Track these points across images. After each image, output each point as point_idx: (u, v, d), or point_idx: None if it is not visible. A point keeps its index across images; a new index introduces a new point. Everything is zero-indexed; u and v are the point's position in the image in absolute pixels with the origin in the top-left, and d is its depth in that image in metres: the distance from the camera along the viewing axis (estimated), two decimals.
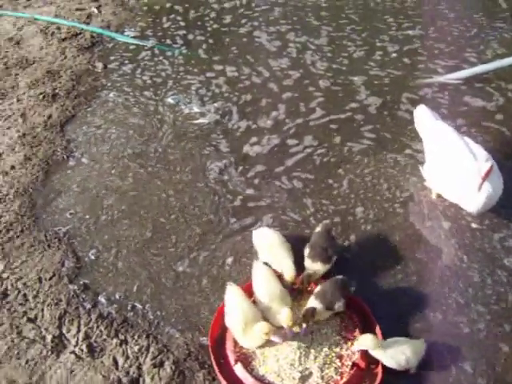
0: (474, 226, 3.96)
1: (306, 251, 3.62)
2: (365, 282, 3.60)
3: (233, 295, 3.28)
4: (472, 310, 3.48)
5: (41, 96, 5.02)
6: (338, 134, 4.68)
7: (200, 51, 5.60)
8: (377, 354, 3.12)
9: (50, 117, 4.81)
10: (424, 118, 4.11)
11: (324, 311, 3.28)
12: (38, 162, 4.41)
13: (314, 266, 3.54)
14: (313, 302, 3.29)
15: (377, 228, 3.94)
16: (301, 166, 4.41)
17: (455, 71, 5.22)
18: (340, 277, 3.41)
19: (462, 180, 3.71)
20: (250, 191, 4.21)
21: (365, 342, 3.11)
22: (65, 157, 4.46)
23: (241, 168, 4.39)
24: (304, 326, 3.22)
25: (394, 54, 5.55)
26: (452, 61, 5.44)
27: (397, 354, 3.14)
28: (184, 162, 4.42)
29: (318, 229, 3.74)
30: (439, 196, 4.06)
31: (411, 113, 4.40)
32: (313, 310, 3.24)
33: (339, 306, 3.31)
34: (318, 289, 3.38)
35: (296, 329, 3.25)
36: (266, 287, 3.34)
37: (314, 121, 4.81)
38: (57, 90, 5.10)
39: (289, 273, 3.43)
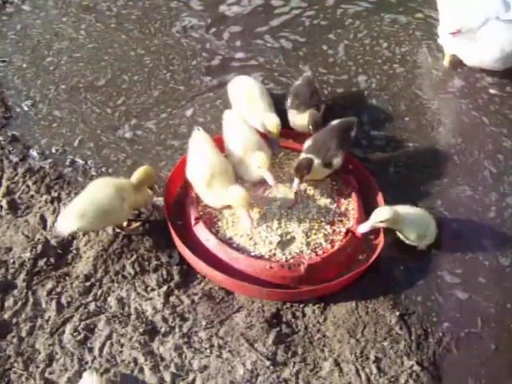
0: (492, 91, 3.26)
1: (288, 102, 2.91)
2: (368, 154, 2.94)
3: (198, 142, 2.57)
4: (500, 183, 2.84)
5: None
6: None
7: None
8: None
9: None
10: None
11: (320, 168, 2.58)
12: None
13: (299, 119, 2.84)
14: (305, 156, 2.60)
15: (381, 98, 3.23)
16: (288, 27, 3.64)
17: None
18: (337, 121, 2.70)
19: (488, 31, 3.00)
20: (229, 50, 3.44)
21: (381, 214, 2.42)
22: (0, 2, 3.65)
23: (217, 28, 3.60)
24: (296, 180, 2.50)
25: None
26: None
27: (419, 223, 2.49)
28: (149, 18, 3.61)
29: (298, 81, 3.03)
30: (452, 60, 3.34)
31: None
32: (308, 162, 2.52)
33: (337, 161, 2.61)
34: (309, 142, 2.67)
35: (276, 189, 2.55)
36: (239, 135, 2.62)
37: None
38: None
39: (273, 122, 2.69)
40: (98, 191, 2.36)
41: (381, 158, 2.93)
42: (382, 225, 2.43)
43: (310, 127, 2.74)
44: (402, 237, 2.52)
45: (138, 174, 2.49)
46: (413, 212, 2.52)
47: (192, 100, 3.14)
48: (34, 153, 2.82)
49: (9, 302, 2.25)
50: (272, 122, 2.69)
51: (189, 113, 3.08)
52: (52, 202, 2.60)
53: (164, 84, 3.21)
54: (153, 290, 2.34)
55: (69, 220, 2.29)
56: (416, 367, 2.19)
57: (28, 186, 2.66)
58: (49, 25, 3.51)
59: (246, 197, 2.37)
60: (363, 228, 2.42)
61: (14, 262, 2.37)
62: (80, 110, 3.05)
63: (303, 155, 2.62)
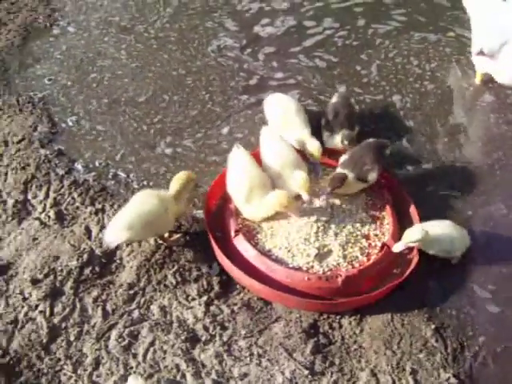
0: None
1: (323, 121, 2.99)
2: (403, 171, 3.01)
3: (238, 157, 2.66)
4: None
5: None
6: (363, 17, 3.98)
7: None
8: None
9: None
10: None
11: (355, 182, 2.65)
12: (16, 27, 3.77)
13: (332, 139, 2.92)
14: (341, 171, 2.67)
15: (416, 118, 3.29)
16: (321, 48, 3.74)
17: None
18: (372, 139, 2.77)
19: None
20: (266, 70, 3.55)
21: (413, 235, 2.46)
22: (48, 25, 3.81)
23: (252, 48, 3.71)
24: (328, 189, 2.59)
25: None
26: None
27: (442, 239, 2.53)
28: (187, 39, 3.74)
29: (334, 99, 3.11)
30: (484, 78, 3.40)
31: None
32: (343, 177, 2.61)
33: (372, 176, 2.68)
34: (345, 156, 2.75)
35: (315, 202, 2.63)
36: (276, 150, 2.70)
37: (336, 4, 4.11)
38: None
39: (315, 146, 2.77)
40: (144, 203, 2.45)
41: (416, 174, 2.99)
42: (413, 245, 2.49)
43: (346, 143, 2.83)
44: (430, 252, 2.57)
45: (174, 184, 2.56)
46: (439, 228, 2.55)
47: (227, 119, 3.23)
48: (78, 166, 2.94)
49: (58, 308, 2.35)
50: (314, 146, 2.78)
51: (225, 131, 3.17)
52: (96, 213, 2.71)
53: (202, 105, 3.31)
54: (193, 299, 2.42)
55: (118, 232, 2.38)
56: (453, 380, 2.22)
57: (73, 198, 2.78)
58: (92, 45, 3.67)
59: (289, 196, 2.49)
60: (398, 247, 2.47)
61: (61, 270, 2.47)
62: (119, 124, 3.18)
63: (339, 169, 2.70)
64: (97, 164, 2.96)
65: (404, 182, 2.86)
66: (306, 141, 2.81)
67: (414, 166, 3.03)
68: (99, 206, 2.74)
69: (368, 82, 3.49)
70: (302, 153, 2.81)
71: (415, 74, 3.52)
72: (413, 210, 2.69)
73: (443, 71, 3.54)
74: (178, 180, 2.56)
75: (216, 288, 2.45)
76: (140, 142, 3.10)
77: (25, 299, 2.37)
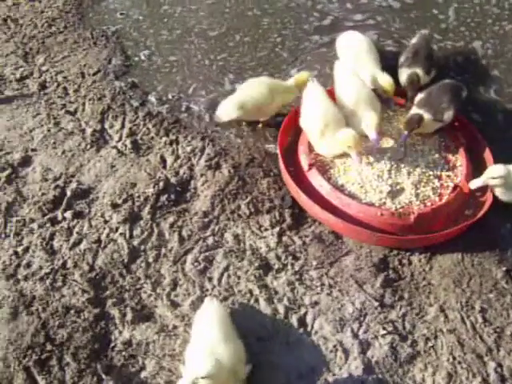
0: None
1: (402, 59, 2.93)
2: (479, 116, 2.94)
3: (312, 92, 2.65)
4: None
5: None
6: None
7: None
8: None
9: None
10: None
11: (431, 122, 2.62)
12: None
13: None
14: (416, 112, 2.64)
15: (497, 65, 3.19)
16: None
17: None
18: (449, 80, 2.72)
19: None
20: (340, 11, 3.48)
21: (496, 170, 2.43)
22: None
23: None
24: (405, 133, 2.57)
25: None
26: None
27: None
28: None
29: (414, 39, 3.04)
30: None
31: None
32: (419, 118, 2.58)
33: (449, 115, 2.63)
34: (421, 96, 2.70)
35: (386, 142, 2.62)
36: (351, 87, 2.68)
37: None
38: None
39: (387, 81, 2.75)
40: (255, 89, 2.74)
41: (494, 121, 2.93)
42: (494, 181, 2.45)
43: (407, 85, 2.79)
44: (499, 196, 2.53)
45: (296, 78, 2.81)
46: None
47: (293, 63, 3.20)
48: (152, 98, 3.00)
49: (136, 231, 2.45)
50: (386, 81, 2.75)
51: (292, 72, 3.13)
52: (171, 143, 2.77)
53: (271, 48, 3.28)
54: (266, 229, 2.48)
55: (230, 109, 2.70)
56: None
57: (148, 129, 2.84)
58: None
59: (356, 137, 2.45)
60: (475, 183, 2.45)
61: (139, 196, 2.56)
62: (189, 58, 3.21)
63: (415, 108, 2.67)
64: (170, 97, 3.01)
65: (481, 128, 2.80)
66: (377, 75, 2.78)
67: (491, 113, 2.97)
68: (173, 137, 2.80)
69: (447, 27, 3.39)
70: (376, 92, 2.79)
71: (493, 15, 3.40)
72: (487, 154, 2.65)
73: None
74: (299, 78, 2.80)
75: (288, 220, 2.50)
76: (208, 76, 3.12)
77: (106, 222, 2.48)
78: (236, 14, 3.47)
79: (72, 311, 2.20)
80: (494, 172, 2.42)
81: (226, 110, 2.71)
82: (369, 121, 2.54)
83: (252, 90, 2.74)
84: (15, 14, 3.46)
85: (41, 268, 2.32)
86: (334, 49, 3.08)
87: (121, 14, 3.47)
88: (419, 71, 2.80)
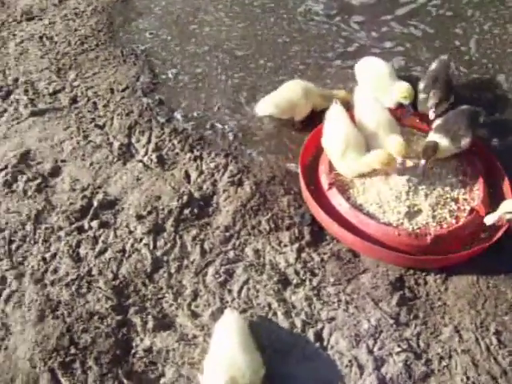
0: None
1: (421, 85, 3.01)
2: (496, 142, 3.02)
3: (335, 113, 2.74)
4: None
5: None
6: None
7: None
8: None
9: None
10: None
11: (448, 147, 2.69)
12: None
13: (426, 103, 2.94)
14: (433, 137, 2.71)
15: None
16: (416, 17, 3.74)
17: None
18: (466, 106, 2.79)
19: None
20: (360, 36, 3.60)
21: (510, 205, 2.46)
22: None
23: (344, 16, 3.76)
24: (423, 161, 2.63)
25: None
26: None
27: None
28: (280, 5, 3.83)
29: (433, 65, 3.12)
30: None
31: None
32: (435, 145, 2.65)
33: (466, 142, 2.70)
34: (439, 121, 2.78)
35: (408, 162, 2.69)
36: (371, 111, 2.77)
37: None
38: None
39: (405, 86, 2.88)
40: (291, 90, 2.98)
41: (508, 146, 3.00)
42: (509, 216, 2.48)
43: (432, 105, 2.85)
44: None
45: (334, 92, 3.05)
46: None
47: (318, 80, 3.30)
48: (178, 115, 3.10)
49: (160, 242, 2.53)
50: (403, 87, 2.85)
51: None
52: (195, 159, 2.87)
53: (290, 74, 3.35)
54: (286, 245, 2.54)
55: (268, 106, 2.95)
56: None
57: (173, 145, 2.94)
58: (189, 1, 3.81)
59: (403, 145, 2.58)
60: (490, 219, 2.48)
61: (163, 209, 2.65)
62: (215, 76, 3.32)
63: (431, 134, 2.74)
64: (195, 114, 3.11)
65: (498, 154, 2.86)
66: (395, 85, 2.91)
67: (504, 136, 3.04)
68: (197, 154, 2.90)
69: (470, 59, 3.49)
70: (395, 114, 2.87)
71: None
72: (505, 181, 2.70)
73: None
74: (338, 92, 3.06)
75: (307, 237, 2.57)
76: (233, 96, 3.23)
77: (131, 232, 2.57)
78: (267, 38, 3.59)
79: (96, 317, 2.28)
80: (508, 207, 2.46)
81: (263, 107, 2.97)
82: (394, 144, 2.61)
83: (288, 90, 2.97)
84: (50, 33, 3.60)
85: (67, 274, 2.41)
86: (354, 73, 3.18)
87: (150, 33, 3.60)
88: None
